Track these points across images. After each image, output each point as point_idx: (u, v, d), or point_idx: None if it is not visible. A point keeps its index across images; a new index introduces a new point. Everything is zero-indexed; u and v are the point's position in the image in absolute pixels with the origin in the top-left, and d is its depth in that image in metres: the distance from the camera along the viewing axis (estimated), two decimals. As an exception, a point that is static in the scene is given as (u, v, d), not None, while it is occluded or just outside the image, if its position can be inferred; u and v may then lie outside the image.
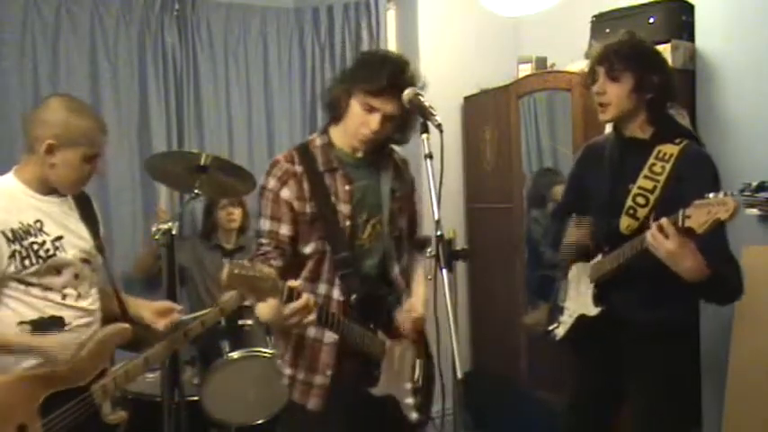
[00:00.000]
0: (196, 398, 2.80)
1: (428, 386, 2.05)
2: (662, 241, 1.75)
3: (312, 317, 1.66)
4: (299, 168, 1.89)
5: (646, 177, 1.98)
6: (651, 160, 1.98)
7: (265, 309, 1.68)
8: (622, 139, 2.08)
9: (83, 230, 2.04)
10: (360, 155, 1.94)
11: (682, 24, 2.95)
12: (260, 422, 2.86)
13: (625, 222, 2.00)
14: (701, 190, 1.72)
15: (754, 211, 2.62)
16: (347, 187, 1.91)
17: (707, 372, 2.81)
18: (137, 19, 3.56)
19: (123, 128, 3.54)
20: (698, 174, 1.94)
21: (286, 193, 1.87)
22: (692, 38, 2.95)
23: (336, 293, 1.89)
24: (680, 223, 1.72)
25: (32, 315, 1.89)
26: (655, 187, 1.96)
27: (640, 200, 1.98)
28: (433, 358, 2.07)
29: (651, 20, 2.94)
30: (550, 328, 2.25)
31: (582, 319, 2.11)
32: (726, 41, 2.85)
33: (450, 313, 1.54)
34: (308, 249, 1.89)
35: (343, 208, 1.89)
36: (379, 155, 1.99)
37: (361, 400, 1.89)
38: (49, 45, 3.37)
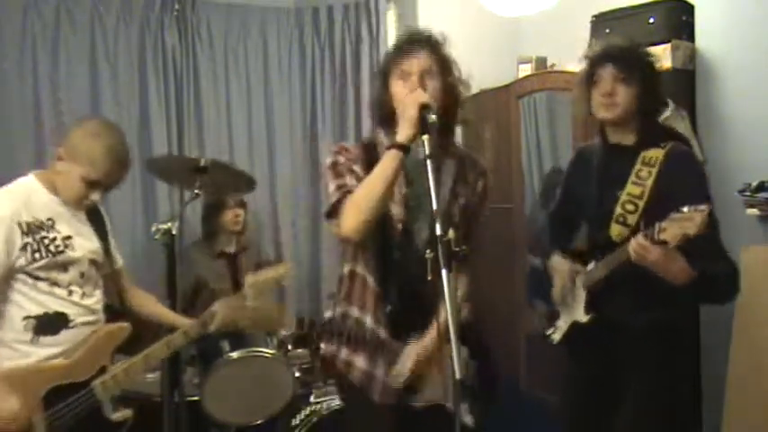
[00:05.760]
0: (196, 398, 2.80)
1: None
2: (644, 254, 1.81)
3: None
4: (361, 164, 1.87)
5: (633, 183, 2.00)
6: (637, 166, 2.01)
7: None
8: (608, 146, 2.11)
9: (91, 233, 2.12)
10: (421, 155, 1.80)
11: (682, 24, 2.94)
12: (260, 422, 2.86)
13: (615, 230, 2.01)
14: (687, 190, 1.78)
15: (754, 211, 2.62)
16: (404, 190, 1.84)
17: (707, 372, 2.81)
18: (137, 19, 3.56)
19: (123, 128, 3.50)
20: (684, 174, 1.97)
21: (357, 168, 1.85)
22: (692, 38, 2.94)
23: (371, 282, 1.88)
24: (655, 237, 1.78)
25: (37, 311, 1.95)
26: (642, 193, 1.98)
27: (629, 206, 1.99)
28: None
29: (651, 20, 2.94)
30: (548, 332, 2.27)
31: (575, 326, 2.13)
32: (726, 41, 2.85)
33: (450, 314, 1.53)
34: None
35: (396, 211, 1.84)
36: (440, 150, 1.82)
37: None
38: (49, 45, 3.37)
